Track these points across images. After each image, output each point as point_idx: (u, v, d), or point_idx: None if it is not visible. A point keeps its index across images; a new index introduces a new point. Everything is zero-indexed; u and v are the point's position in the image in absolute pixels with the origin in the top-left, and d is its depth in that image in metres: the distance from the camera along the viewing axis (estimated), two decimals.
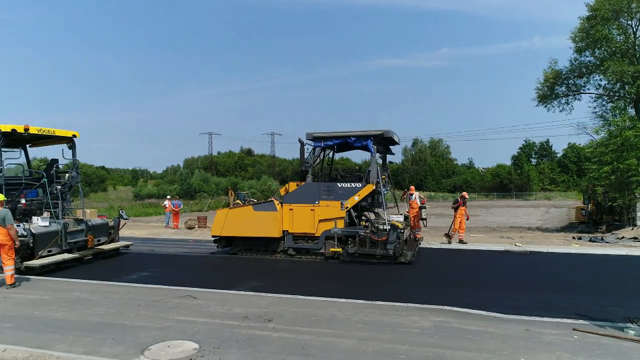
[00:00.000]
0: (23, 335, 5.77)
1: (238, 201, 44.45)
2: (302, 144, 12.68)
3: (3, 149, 12.07)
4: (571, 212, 38.86)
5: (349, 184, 11.35)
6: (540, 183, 64.35)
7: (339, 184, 11.41)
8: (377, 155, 12.05)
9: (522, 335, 5.68)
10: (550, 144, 70.06)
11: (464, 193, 14.22)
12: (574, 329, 5.88)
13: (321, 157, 12.42)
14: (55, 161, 12.22)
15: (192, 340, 5.55)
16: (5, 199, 8.94)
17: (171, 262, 11.67)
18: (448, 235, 14.15)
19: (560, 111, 25.98)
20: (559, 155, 68.80)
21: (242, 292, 7.95)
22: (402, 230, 10.69)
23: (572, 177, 63.79)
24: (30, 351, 5.18)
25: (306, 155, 12.32)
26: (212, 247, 14.00)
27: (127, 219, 13.82)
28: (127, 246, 12.67)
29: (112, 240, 12.33)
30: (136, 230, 19.66)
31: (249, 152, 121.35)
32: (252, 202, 12.62)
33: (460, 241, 14.05)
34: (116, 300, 7.46)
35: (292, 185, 12.04)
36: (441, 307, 6.93)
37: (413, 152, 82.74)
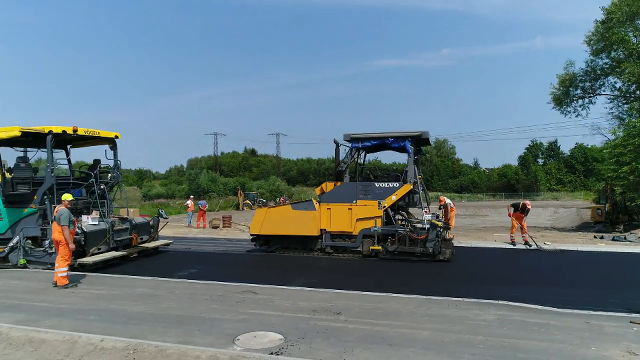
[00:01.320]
0: (111, 327, 6.07)
1: (248, 201, 44.93)
2: (338, 145, 13.00)
3: (43, 150, 12.48)
4: (581, 212, 39.15)
5: (386, 183, 11.65)
6: (547, 183, 64.62)
7: (376, 184, 11.72)
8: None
9: (583, 327, 5.97)
10: (558, 145, 70.38)
11: (528, 204, 14.34)
12: (631, 322, 6.18)
13: (356, 158, 12.71)
14: (97, 161, 12.55)
15: (274, 331, 5.85)
16: (72, 199, 9.26)
17: (214, 260, 11.98)
18: (526, 242, 14.11)
19: (576, 116, 26.16)
20: (565, 155, 68.99)
21: (299, 288, 8.25)
22: (441, 229, 10.99)
23: (579, 178, 64.05)
24: (127, 341, 5.49)
25: (341, 155, 12.66)
26: (245, 246, 14.34)
27: (166, 218, 14.15)
28: (168, 244, 13.00)
29: (153, 239, 12.64)
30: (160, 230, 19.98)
31: (252, 152, 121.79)
32: (288, 202, 12.91)
33: (512, 243, 14.31)
34: (182, 295, 7.77)
35: (329, 185, 12.35)
36: (497, 301, 7.23)
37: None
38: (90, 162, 12.81)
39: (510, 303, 7.11)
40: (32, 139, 11.25)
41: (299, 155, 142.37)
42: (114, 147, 12.44)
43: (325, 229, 12.01)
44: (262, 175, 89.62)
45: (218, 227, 20.16)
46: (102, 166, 12.63)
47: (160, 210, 13.27)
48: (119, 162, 12.54)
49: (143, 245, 12.01)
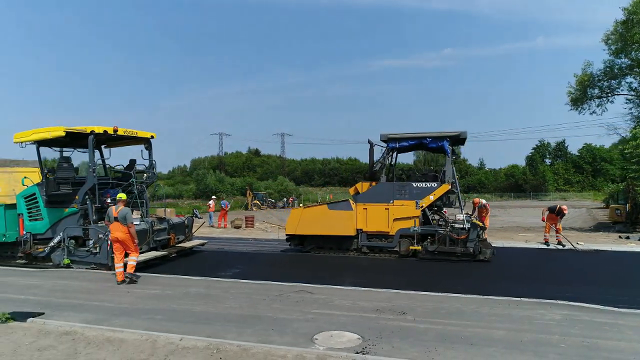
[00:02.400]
0: (182, 326, 6.09)
1: (257, 201, 44.95)
2: (372, 145, 13.02)
3: (80, 150, 12.52)
4: (592, 212, 39.12)
5: (424, 183, 11.66)
6: (555, 183, 64.55)
7: (414, 184, 11.73)
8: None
9: None
10: (566, 145, 70.29)
11: (564, 208, 14.45)
12: None
13: (391, 158, 12.72)
14: (134, 161, 12.57)
15: (347, 330, 5.87)
16: (126, 198, 9.32)
17: (252, 260, 12.00)
18: (559, 242, 14.22)
19: (590, 114, 26.19)
20: (573, 155, 68.88)
21: (353, 288, 8.26)
22: (482, 229, 11.00)
23: (587, 178, 63.99)
24: (207, 340, 5.52)
25: (376, 156, 12.69)
26: (276, 246, 14.38)
27: (200, 218, 14.18)
28: (203, 244, 13.03)
29: (188, 239, 12.67)
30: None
31: (256, 153, 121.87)
32: (327, 202, 12.92)
33: (546, 242, 14.36)
34: (238, 295, 7.79)
35: (365, 185, 12.36)
36: (555, 301, 7.24)
37: (425, 152, 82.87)
38: (114, 162, 12.82)
39: (571, 303, 7.11)
40: (69, 139, 11.27)
41: (301, 155, 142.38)
42: (149, 147, 12.46)
43: (361, 229, 12.02)
44: (266, 176, 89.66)
45: (240, 227, 20.17)
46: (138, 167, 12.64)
47: (194, 210, 13.31)
48: (154, 162, 12.57)
49: (180, 245, 12.04)
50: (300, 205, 42.23)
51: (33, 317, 6.45)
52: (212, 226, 21.85)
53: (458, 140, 11.86)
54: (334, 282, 8.71)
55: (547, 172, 64.54)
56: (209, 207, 22.11)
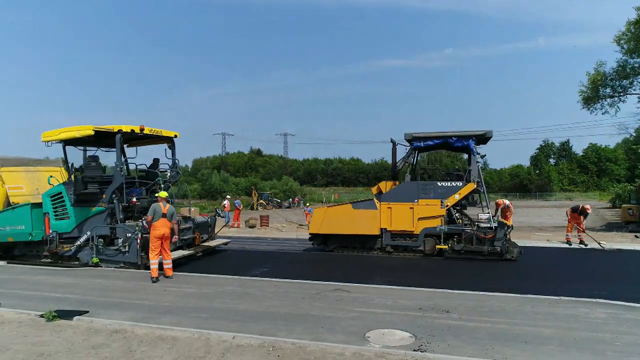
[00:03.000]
0: (230, 324, 6.09)
1: (262, 201, 45.13)
2: (395, 144, 13.03)
3: (104, 149, 12.53)
4: (600, 212, 39.15)
5: (449, 182, 11.66)
6: (559, 183, 64.53)
7: (439, 183, 11.73)
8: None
9: None
10: (570, 145, 70.28)
11: (588, 208, 14.57)
12: None
13: (414, 157, 12.72)
14: (157, 160, 12.58)
15: (396, 328, 5.87)
16: (167, 195, 9.37)
17: (278, 259, 11.99)
18: (581, 241, 14.30)
19: (602, 114, 26.20)
20: (578, 155, 68.89)
21: (390, 287, 8.24)
22: (509, 228, 11.00)
23: (592, 178, 63.97)
24: (260, 338, 5.51)
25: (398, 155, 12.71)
26: (296, 245, 14.39)
27: (223, 217, 14.18)
28: (226, 243, 13.03)
29: (211, 238, 12.67)
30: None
31: (258, 153, 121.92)
32: (352, 201, 12.92)
33: (568, 242, 14.43)
34: (277, 294, 7.79)
35: (388, 184, 12.36)
36: (595, 300, 7.25)
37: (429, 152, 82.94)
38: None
39: (613, 302, 7.11)
40: (94, 138, 11.26)
41: (303, 155, 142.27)
42: (172, 146, 12.46)
43: (385, 228, 12.02)
44: (268, 176, 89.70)
45: (255, 226, 20.17)
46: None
47: (217, 210, 13.29)
48: (177, 161, 12.58)
49: (205, 244, 12.04)
50: (307, 205, 42.21)
51: (79, 315, 6.45)
52: (225, 226, 21.84)
53: (483, 139, 11.85)
54: (367, 281, 8.72)
55: (552, 172, 64.51)
56: (225, 207, 22.10)
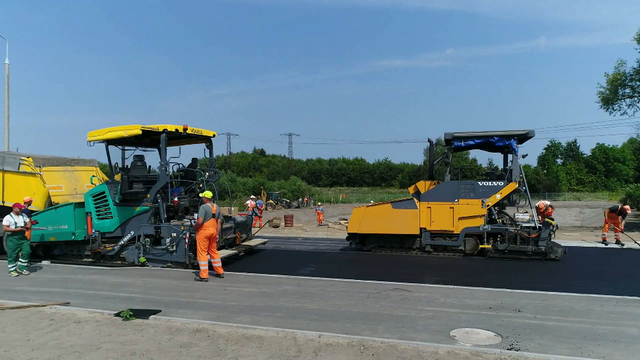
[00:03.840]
0: (308, 323, 6.08)
1: (271, 201, 45.04)
2: (432, 144, 13.05)
3: (142, 149, 12.53)
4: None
5: (490, 182, 11.65)
6: (567, 183, 64.49)
7: (480, 182, 11.72)
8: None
9: None
10: (578, 145, 70.23)
11: (627, 208, 14.62)
12: None
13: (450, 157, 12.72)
14: (196, 160, 12.60)
15: (476, 327, 5.88)
16: (211, 195, 9.38)
17: (319, 258, 11.96)
18: (618, 241, 14.32)
19: (621, 114, 26.19)
20: (585, 155, 68.86)
21: (450, 286, 8.22)
22: (554, 228, 11.00)
23: (599, 178, 63.96)
24: (347, 337, 5.51)
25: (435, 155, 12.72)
26: (329, 244, 14.37)
27: (260, 217, 14.19)
28: (264, 243, 13.04)
29: (249, 237, 12.67)
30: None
31: (262, 153, 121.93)
32: (391, 201, 12.91)
33: (604, 241, 14.48)
34: (338, 293, 7.79)
35: (426, 184, 12.36)
36: None
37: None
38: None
39: None
40: (135, 138, 11.26)
41: (305, 155, 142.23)
42: (210, 145, 12.49)
43: (424, 228, 12.01)
44: (272, 176, 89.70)
45: (278, 226, 20.15)
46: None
47: (254, 210, 13.28)
48: (214, 161, 12.59)
49: (244, 243, 12.05)
50: (319, 204, 42.22)
51: (153, 314, 6.46)
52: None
53: (524, 138, 11.85)
54: (421, 280, 8.72)
55: (559, 172, 64.46)
56: (249, 206, 22.08)
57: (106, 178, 14.14)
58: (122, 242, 10.95)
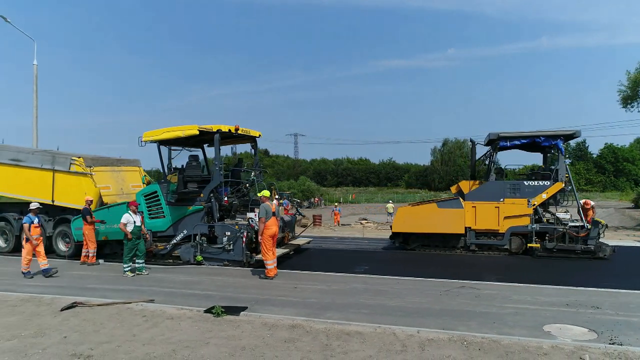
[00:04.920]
0: (399, 319, 6.21)
1: (298, 200, 44.10)
2: (474, 144, 13.18)
3: (187, 149, 12.67)
4: (624, 212, 39.32)
5: (536, 182, 11.78)
6: (576, 183, 64.45)
7: (525, 182, 11.85)
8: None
9: None
10: (586, 145, 70.28)
11: None
12: None
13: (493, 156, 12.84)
14: (241, 160, 12.74)
15: (565, 323, 6.01)
16: (269, 194, 9.51)
17: (369, 257, 12.10)
18: None
19: (639, 111, 26.29)
20: (594, 155, 68.89)
21: (516, 284, 8.37)
22: (603, 227, 11.12)
23: (608, 178, 64.03)
24: (445, 332, 5.64)
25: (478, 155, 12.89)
26: (367, 243, 14.49)
27: (303, 216, 14.33)
28: (309, 242, 13.18)
29: (294, 237, 12.80)
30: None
31: (266, 153, 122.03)
32: (435, 200, 13.03)
33: None
34: (410, 290, 7.93)
35: (469, 184, 12.50)
36: None
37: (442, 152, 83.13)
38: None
39: None
40: (184, 138, 11.39)
41: (308, 155, 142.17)
42: (255, 145, 12.63)
43: (469, 227, 12.14)
44: (277, 176, 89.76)
45: (307, 225, 20.22)
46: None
47: (298, 209, 13.41)
48: (259, 161, 12.74)
49: (293, 242, 12.18)
50: (335, 204, 42.19)
51: (242, 310, 6.59)
52: None
53: (570, 138, 11.98)
54: (482, 278, 8.86)
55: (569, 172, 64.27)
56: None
57: (148, 178, 14.34)
58: (174, 241, 11.08)
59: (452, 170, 79.11)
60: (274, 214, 9.29)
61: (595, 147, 74.42)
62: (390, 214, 28.16)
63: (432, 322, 6.11)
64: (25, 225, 9.31)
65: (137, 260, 9.76)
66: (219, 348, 5.26)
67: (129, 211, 9.68)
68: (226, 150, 12.92)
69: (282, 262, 10.99)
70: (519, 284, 8.35)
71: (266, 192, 9.54)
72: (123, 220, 9.44)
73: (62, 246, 12.39)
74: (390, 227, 13.13)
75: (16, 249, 12.93)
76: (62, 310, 6.77)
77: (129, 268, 9.59)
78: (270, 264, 9.03)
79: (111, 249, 12.05)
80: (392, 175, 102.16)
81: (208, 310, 6.57)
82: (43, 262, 9.54)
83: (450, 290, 7.91)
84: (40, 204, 12.75)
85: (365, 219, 27.91)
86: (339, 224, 25.12)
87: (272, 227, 9.15)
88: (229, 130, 10.87)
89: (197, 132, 10.34)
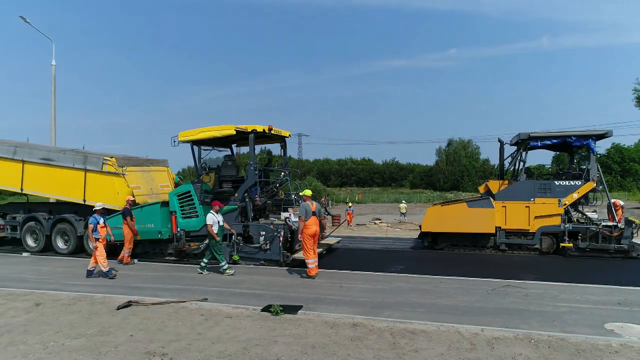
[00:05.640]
0: (456, 318, 6.26)
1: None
2: (502, 144, 13.20)
3: (217, 148, 12.73)
4: (634, 212, 39.27)
5: (567, 181, 11.81)
6: None
7: (556, 182, 11.88)
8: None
9: None
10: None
11: None
12: None
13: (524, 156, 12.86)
14: (271, 159, 12.77)
15: (623, 322, 6.05)
16: (310, 193, 9.56)
17: (400, 257, 12.12)
18: None
19: None
20: (601, 155, 68.89)
21: (560, 283, 8.38)
22: (637, 227, 11.15)
23: (615, 178, 63.97)
24: (510, 331, 5.69)
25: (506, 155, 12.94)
26: (393, 243, 14.53)
27: (332, 216, 14.36)
28: (338, 242, 13.22)
29: (323, 237, 12.83)
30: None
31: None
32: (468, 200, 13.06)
33: None
34: (456, 289, 7.97)
35: (498, 183, 12.53)
36: None
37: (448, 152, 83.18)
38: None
39: None
40: (218, 138, 11.39)
41: (311, 155, 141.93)
42: (284, 145, 12.67)
43: (499, 227, 12.17)
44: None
45: (340, 224, 20.23)
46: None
47: (326, 208, 13.46)
48: (289, 161, 12.78)
49: (325, 242, 12.22)
50: (350, 204, 42.13)
51: (299, 309, 6.62)
52: None
53: (601, 138, 12.01)
54: (522, 277, 8.91)
55: None
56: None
57: (176, 177, 14.37)
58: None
59: (457, 170, 79.22)
60: (314, 213, 9.32)
61: (601, 147, 74.43)
62: (403, 214, 28.17)
63: (491, 320, 6.15)
64: (90, 226, 9.36)
65: (204, 260, 9.75)
66: (289, 346, 5.29)
67: (212, 211, 9.61)
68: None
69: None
70: (563, 283, 8.38)
71: (308, 192, 9.59)
72: (209, 221, 9.37)
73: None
74: (419, 226, 13.15)
75: (46, 249, 13.03)
76: (118, 309, 6.81)
77: (227, 266, 9.61)
78: (312, 262, 9.07)
79: (143, 248, 12.09)
80: (396, 176, 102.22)
81: (265, 309, 6.61)
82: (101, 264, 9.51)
83: (496, 290, 7.95)
84: (70, 203, 12.91)
85: (379, 219, 27.92)
86: (351, 224, 25.13)
87: (312, 226, 9.19)
88: (263, 130, 10.92)
89: (234, 132, 10.39)
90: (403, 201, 32.60)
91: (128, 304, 6.94)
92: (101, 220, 9.49)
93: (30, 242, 13.20)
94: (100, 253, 9.33)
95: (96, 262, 9.39)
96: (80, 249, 12.57)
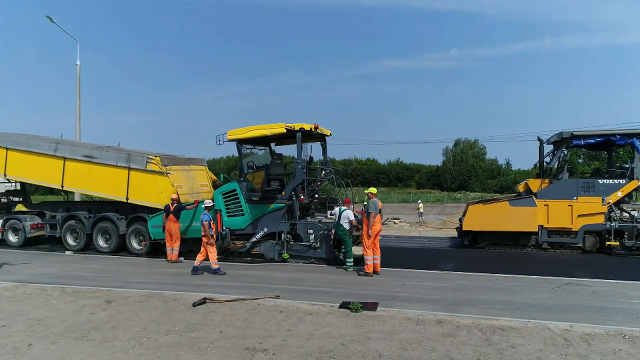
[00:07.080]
0: (533, 314, 6.29)
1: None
2: (542, 143, 13.23)
3: (259, 148, 12.77)
4: None
5: (611, 180, 11.82)
6: None
7: (600, 180, 11.90)
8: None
9: None
10: None
11: None
12: None
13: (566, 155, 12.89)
14: (311, 158, 12.78)
15: None
16: (376, 191, 9.64)
17: (445, 255, 12.27)
18: None
19: None
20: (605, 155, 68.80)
21: (621, 281, 8.44)
22: None
23: None
24: (601, 327, 5.71)
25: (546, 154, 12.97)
26: (429, 241, 14.54)
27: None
28: None
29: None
30: None
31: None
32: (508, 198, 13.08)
33: None
34: (521, 287, 8.00)
35: (539, 182, 12.56)
36: None
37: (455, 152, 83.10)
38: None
39: None
40: (267, 137, 11.37)
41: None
42: (324, 144, 12.69)
43: (541, 225, 12.18)
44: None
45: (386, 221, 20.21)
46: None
47: (351, 206, 13.46)
48: (329, 160, 12.81)
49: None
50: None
51: (377, 306, 6.64)
52: None
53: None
54: (578, 275, 8.97)
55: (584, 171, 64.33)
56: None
57: (214, 177, 14.41)
58: (254, 239, 11.15)
59: (464, 170, 79.02)
60: (379, 211, 9.36)
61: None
62: (421, 213, 28.23)
63: (574, 317, 6.17)
64: (205, 223, 9.46)
65: (347, 260, 9.76)
66: (385, 342, 5.31)
67: (348, 209, 9.74)
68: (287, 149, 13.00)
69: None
70: (624, 281, 8.42)
71: (373, 189, 9.65)
72: (350, 217, 9.63)
73: (135, 244, 12.45)
74: (458, 225, 13.18)
75: (85, 248, 13.05)
76: (194, 305, 6.83)
77: (352, 263, 9.69)
78: (369, 259, 9.10)
79: (187, 246, 12.11)
80: (402, 176, 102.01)
81: (344, 306, 6.63)
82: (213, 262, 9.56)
83: (561, 287, 7.98)
84: (111, 201, 12.95)
85: (397, 218, 27.94)
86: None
87: (378, 224, 9.22)
88: (310, 129, 10.95)
89: (285, 131, 10.43)
90: (419, 201, 32.62)
91: (203, 301, 6.97)
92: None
93: (70, 240, 13.21)
94: (213, 250, 9.44)
95: (203, 259, 9.43)
96: (122, 248, 12.59)
